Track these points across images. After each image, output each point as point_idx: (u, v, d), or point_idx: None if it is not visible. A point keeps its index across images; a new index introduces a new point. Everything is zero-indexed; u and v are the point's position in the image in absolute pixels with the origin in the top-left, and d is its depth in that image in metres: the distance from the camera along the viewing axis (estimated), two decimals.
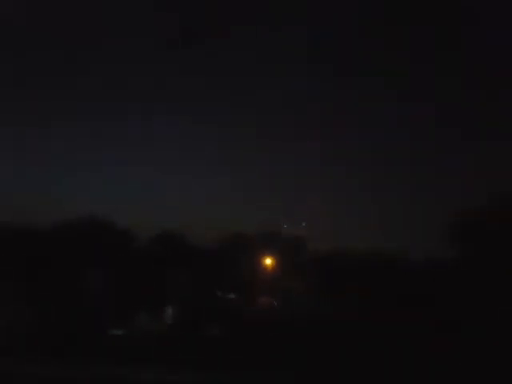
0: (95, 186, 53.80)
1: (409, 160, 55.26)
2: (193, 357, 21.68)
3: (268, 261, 32.94)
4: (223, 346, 23.91)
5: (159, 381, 19.08)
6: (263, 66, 60.00)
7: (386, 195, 52.60)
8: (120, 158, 61.21)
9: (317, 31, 58.65)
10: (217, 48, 57.22)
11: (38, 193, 45.47)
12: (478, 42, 55.94)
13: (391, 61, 56.90)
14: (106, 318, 27.87)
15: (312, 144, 55.89)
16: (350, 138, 60.72)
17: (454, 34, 52.90)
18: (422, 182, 50.15)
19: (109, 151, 61.34)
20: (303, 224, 37.27)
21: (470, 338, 21.09)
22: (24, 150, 55.64)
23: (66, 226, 29.67)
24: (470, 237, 27.43)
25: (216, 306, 29.96)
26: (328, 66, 60.05)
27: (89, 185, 53.89)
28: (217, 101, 61.69)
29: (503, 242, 25.55)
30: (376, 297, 26.32)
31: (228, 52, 58.42)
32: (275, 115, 59.41)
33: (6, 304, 26.58)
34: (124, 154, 57.93)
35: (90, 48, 56.09)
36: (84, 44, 56.20)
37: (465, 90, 55.52)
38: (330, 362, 20.43)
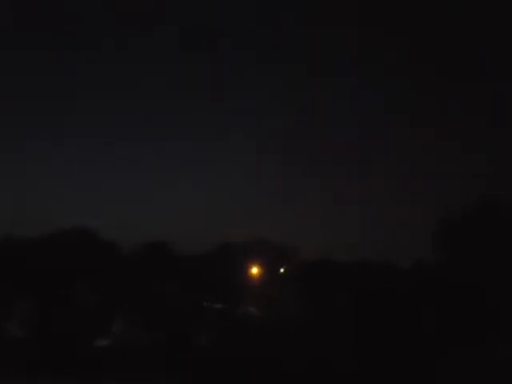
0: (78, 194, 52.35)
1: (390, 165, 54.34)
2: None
3: (255, 270, 32.64)
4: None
5: None
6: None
7: (367, 201, 51.70)
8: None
9: None
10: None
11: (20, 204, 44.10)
12: None
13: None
14: (93, 330, 27.56)
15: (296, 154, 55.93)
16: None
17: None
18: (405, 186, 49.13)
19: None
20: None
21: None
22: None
23: (52, 237, 29.44)
24: (456, 239, 27.29)
25: (202, 316, 29.59)
26: None
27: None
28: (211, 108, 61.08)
29: (488, 244, 25.45)
30: (365, 305, 26.01)
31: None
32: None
33: None
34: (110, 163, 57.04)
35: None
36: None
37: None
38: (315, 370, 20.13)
